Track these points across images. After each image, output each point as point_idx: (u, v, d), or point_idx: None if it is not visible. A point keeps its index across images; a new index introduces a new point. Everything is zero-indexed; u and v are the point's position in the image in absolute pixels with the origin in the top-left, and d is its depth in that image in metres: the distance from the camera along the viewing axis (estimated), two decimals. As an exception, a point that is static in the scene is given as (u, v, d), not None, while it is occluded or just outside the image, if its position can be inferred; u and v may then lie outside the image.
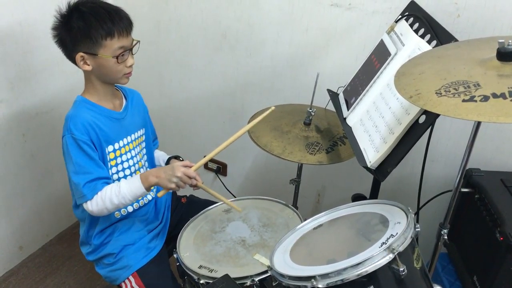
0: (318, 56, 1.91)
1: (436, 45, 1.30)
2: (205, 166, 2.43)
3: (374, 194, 1.58)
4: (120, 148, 1.49)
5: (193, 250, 1.46)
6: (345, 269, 0.99)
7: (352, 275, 0.98)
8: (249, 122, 1.72)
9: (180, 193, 1.72)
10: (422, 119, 1.21)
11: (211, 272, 1.36)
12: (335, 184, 2.14)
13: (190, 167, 1.40)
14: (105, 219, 1.51)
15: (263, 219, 1.58)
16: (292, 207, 1.62)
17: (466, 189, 1.60)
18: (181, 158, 1.70)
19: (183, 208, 1.73)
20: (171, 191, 1.50)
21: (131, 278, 1.49)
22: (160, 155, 1.72)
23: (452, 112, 0.91)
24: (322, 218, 1.31)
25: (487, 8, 1.54)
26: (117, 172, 1.50)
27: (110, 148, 1.46)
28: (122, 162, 1.50)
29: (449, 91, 0.96)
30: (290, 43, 1.94)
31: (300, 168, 1.86)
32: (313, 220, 1.32)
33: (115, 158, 1.48)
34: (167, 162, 1.68)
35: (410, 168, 1.86)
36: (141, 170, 1.58)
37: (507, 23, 1.53)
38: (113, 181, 1.48)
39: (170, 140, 2.45)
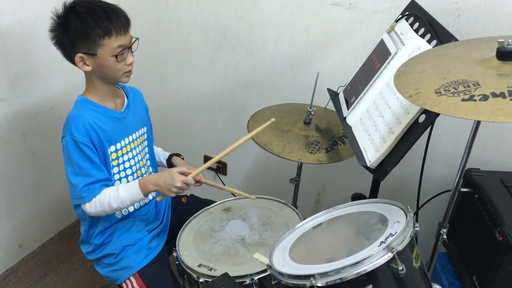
0: (318, 56, 1.91)
1: (436, 45, 1.30)
2: (205, 165, 2.43)
3: (373, 193, 1.58)
4: (121, 148, 1.48)
5: (192, 248, 1.46)
6: (344, 268, 0.99)
7: (351, 274, 0.98)
8: (248, 122, 1.73)
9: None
10: (422, 118, 1.21)
11: (210, 270, 1.36)
12: (335, 184, 2.14)
13: (188, 173, 1.39)
14: (106, 219, 1.51)
15: (263, 218, 1.58)
16: (292, 206, 1.62)
17: (466, 189, 1.60)
18: (181, 156, 1.70)
19: (183, 208, 1.73)
20: None
21: (132, 279, 1.49)
22: (159, 151, 1.72)
23: (452, 111, 0.91)
24: (321, 217, 1.31)
25: (488, 8, 1.54)
26: (119, 172, 1.50)
27: (112, 148, 1.45)
28: (123, 162, 1.50)
29: (449, 90, 0.96)
30: (290, 42, 1.94)
31: (300, 167, 1.86)
32: (312, 219, 1.31)
33: (117, 158, 1.48)
34: (168, 160, 1.68)
35: (410, 168, 1.86)
36: (143, 169, 1.58)
37: (507, 23, 1.53)
38: (114, 181, 1.48)
39: (171, 139, 2.45)
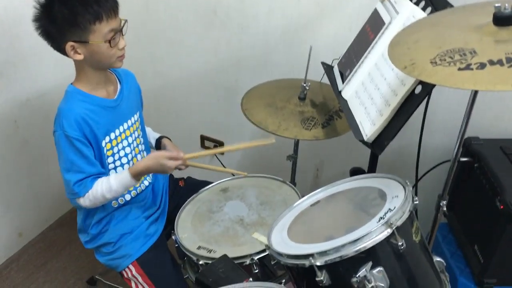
0: (311, 28, 1.87)
1: (431, 12, 1.26)
2: (202, 145, 2.41)
3: (372, 167, 1.55)
4: (116, 137, 1.45)
5: (191, 231, 1.45)
6: (343, 245, 0.97)
7: (350, 251, 0.97)
8: (242, 99, 1.70)
9: (177, 175, 1.70)
10: (418, 89, 1.18)
11: (209, 252, 1.35)
12: (334, 159, 2.12)
13: (177, 158, 1.39)
14: (102, 209, 1.49)
15: (261, 197, 1.56)
16: (290, 184, 1.60)
17: (465, 158, 1.59)
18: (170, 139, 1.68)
19: (181, 191, 1.71)
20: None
21: (131, 266, 1.48)
22: (149, 131, 1.70)
23: (448, 82, 0.88)
24: (319, 194, 1.29)
25: (483, -29, 1.49)
26: (114, 161, 1.47)
27: (107, 139, 1.42)
28: (118, 151, 1.47)
29: (445, 60, 0.93)
30: (282, 15, 1.89)
31: (296, 144, 1.84)
32: (310, 196, 1.29)
33: (112, 148, 1.44)
34: (157, 142, 1.66)
35: (408, 139, 1.83)
36: (138, 156, 1.55)
37: (504, -14, 1.48)
38: (109, 170, 1.46)
39: (165, 119, 2.42)
